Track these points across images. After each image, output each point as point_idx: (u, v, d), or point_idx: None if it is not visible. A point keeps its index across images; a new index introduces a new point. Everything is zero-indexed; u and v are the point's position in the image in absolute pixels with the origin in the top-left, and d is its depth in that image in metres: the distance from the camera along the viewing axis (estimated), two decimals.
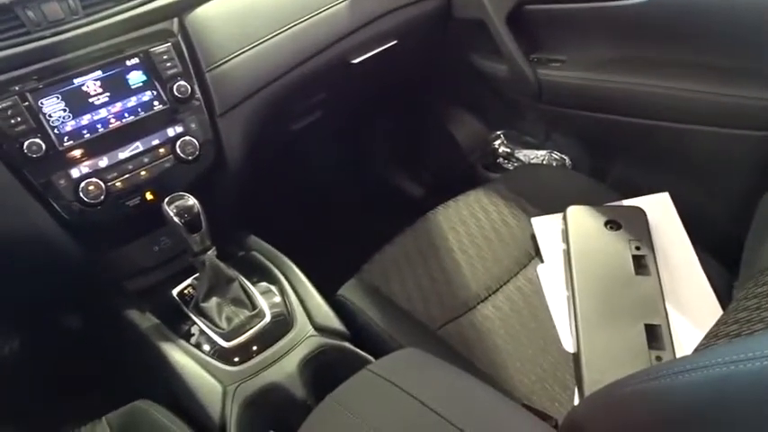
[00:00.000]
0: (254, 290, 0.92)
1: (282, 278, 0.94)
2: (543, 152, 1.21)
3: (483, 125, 1.37)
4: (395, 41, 1.17)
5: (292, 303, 0.90)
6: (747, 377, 0.37)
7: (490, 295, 0.92)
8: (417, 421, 0.58)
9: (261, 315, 0.88)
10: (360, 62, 1.16)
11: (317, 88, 1.17)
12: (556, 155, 1.20)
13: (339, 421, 0.62)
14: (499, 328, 0.88)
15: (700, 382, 0.41)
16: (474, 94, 1.38)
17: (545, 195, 1.03)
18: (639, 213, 0.94)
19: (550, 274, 0.92)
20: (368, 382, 0.63)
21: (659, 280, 0.87)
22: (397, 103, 1.41)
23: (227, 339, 0.85)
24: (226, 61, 0.95)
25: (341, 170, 1.45)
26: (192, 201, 0.82)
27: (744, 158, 0.94)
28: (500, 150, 1.28)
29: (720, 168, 0.98)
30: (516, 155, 1.25)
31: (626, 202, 0.98)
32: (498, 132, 1.31)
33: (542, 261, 0.94)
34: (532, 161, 1.23)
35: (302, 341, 0.86)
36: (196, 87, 0.91)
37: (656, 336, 0.81)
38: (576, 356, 0.81)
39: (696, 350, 0.61)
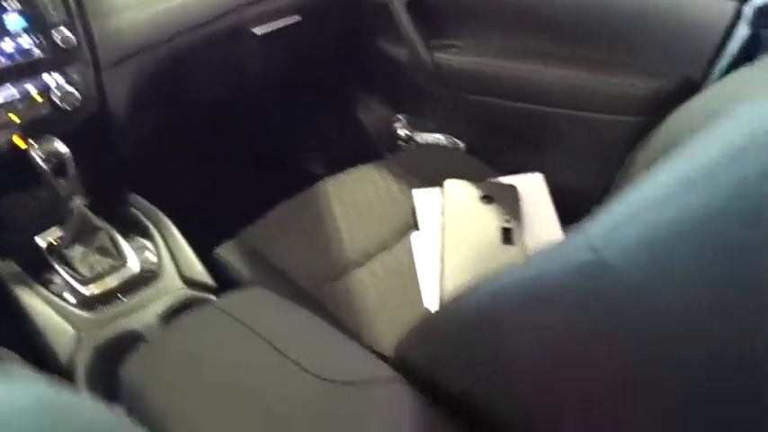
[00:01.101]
0: (122, 241, 0.91)
1: (157, 235, 0.94)
2: (440, 135, 1.25)
3: (389, 109, 1.41)
4: (299, 18, 1.19)
5: (163, 258, 0.90)
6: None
7: (367, 261, 0.94)
8: (250, 351, 0.59)
9: (125, 264, 0.88)
10: (265, 35, 1.17)
11: (219, 57, 1.17)
12: (452, 138, 1.24)
13: (171, 354, 0.62)
14: (371, 292, 0.90)
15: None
16: (382, 79, 1.41)
17: (431, 173, 1.06)
18: (512, 190, 0.99)
19: (424, 242, 0.95)
20: (208, 314, 0.64)
21: (524, 250, 0.91)
22: (307, 84, 1.42)
23: (86, 285, 0.84)
24: (115, 14, 0.94)
25: (245, 149, 1.45)
26: (61, 146, 0.81)
27: (613, 142, 1.01)
28: (400, 133, 1.31)
29: (592, 151, 1.05)
30: (415, 138, 1.29)
31: (501, 179, 1.02)
32: (399, 116, 1.34)
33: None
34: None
35: (168, 293, 0.86)
36: (81, 38, 0.90)
37: None
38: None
39: None
